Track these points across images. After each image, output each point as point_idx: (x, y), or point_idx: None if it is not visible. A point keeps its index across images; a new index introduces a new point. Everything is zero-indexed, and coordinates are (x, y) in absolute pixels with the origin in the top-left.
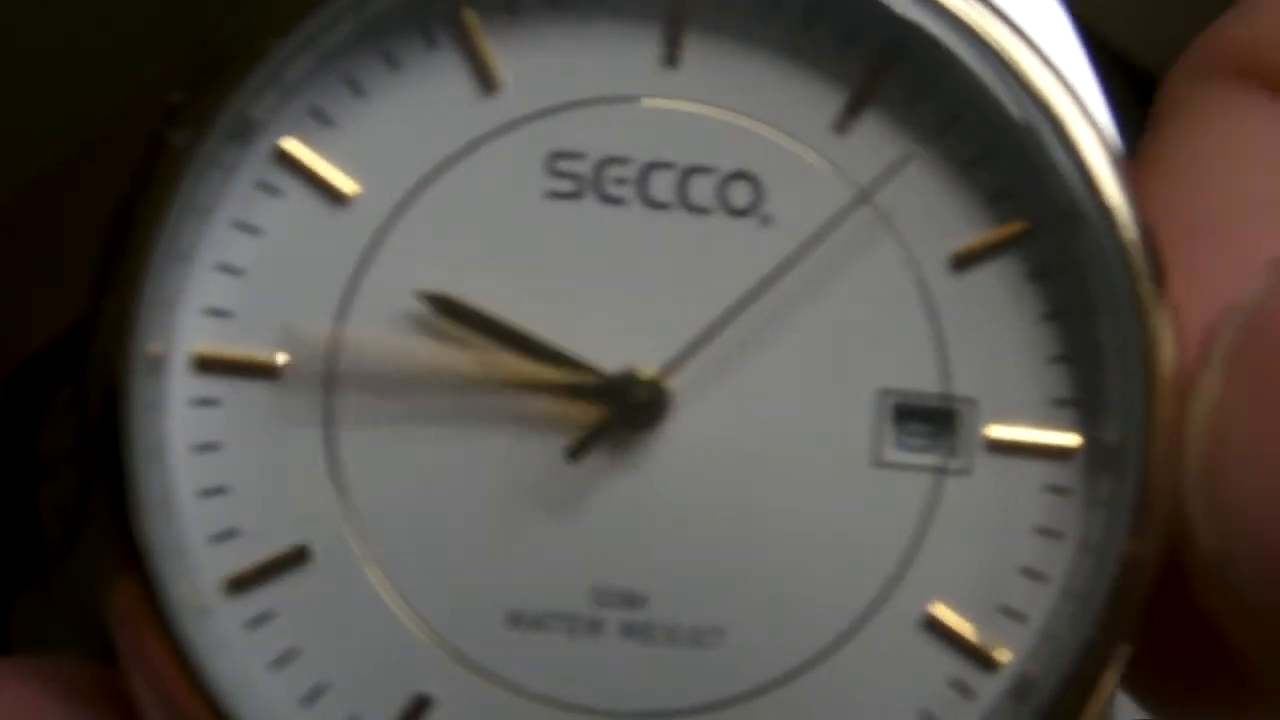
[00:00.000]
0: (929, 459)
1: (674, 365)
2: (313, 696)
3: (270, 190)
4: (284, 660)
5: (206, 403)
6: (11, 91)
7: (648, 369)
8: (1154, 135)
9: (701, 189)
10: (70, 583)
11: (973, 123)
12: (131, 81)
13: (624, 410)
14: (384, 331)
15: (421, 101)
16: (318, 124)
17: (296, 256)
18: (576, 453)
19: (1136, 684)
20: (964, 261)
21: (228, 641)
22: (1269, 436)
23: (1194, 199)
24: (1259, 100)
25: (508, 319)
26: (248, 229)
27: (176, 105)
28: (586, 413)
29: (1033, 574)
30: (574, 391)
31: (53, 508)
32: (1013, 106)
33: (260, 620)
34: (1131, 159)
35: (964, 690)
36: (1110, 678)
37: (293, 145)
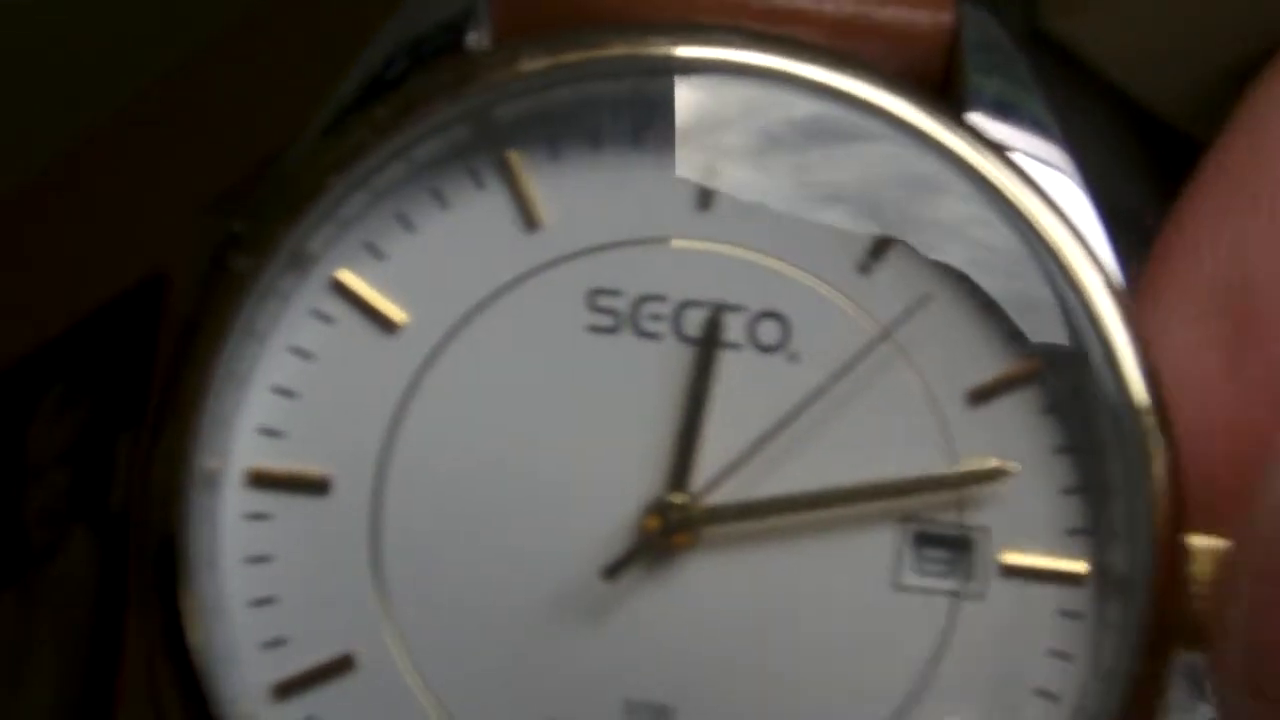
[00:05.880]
0: (946, 584)
1: (704, 492)
2: None
3: (323, 318)
4: None
5: (259, 517)
6: (12, 91)
7: (679, 496)
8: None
9: (732, 326)
10: (53, 585)
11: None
12: (127, 88)
13: (658, 533)
14: (429, 454)
15: (468, 237)
16: (370, 256)
17: (347, 380)
18: (612, 571)
19: None
20: (981, 396)
21: None
22: None
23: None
24: None
25: None
26: (301, 353)
27: (240, 233)
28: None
29: (1046, 695)
30: None
31: (39, 510)
32: (1023, 252)
33: None
34: (1135, 293)
35: None
36: None
37: (346, 276)
